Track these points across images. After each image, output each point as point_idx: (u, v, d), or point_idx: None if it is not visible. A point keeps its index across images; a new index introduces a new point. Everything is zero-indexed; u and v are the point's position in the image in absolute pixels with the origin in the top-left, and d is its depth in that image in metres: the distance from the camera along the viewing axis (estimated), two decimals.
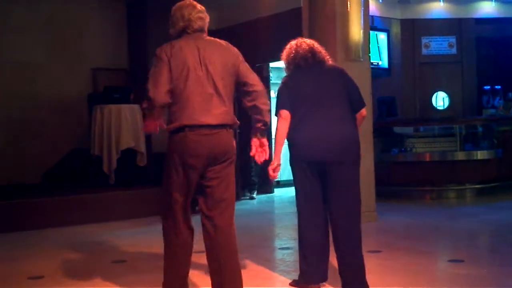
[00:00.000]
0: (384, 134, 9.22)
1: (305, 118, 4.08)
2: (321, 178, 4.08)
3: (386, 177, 8.69)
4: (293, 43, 4.38)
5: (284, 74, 12.40)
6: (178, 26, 3.84)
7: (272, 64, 10.82)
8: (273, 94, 11.39)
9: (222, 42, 3.81)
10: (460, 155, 9.05)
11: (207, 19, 3.84)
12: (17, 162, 9.28)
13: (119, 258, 5.33)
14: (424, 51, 11.47)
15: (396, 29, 11.25)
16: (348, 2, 6.65)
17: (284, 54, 4.40)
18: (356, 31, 6.69)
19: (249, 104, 3.74)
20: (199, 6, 3.85)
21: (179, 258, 3.71)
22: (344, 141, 4.04)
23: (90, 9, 10.25)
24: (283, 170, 11.16)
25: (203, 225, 3.69)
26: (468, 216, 7.52)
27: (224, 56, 3.73)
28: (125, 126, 8.32)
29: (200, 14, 3.82)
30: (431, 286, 4.33)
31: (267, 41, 9.52)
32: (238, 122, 3.78)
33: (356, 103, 4.19)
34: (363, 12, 6.79)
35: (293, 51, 4.31)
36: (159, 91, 3.58)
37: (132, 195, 7.63)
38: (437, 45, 11.54)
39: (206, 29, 3.84)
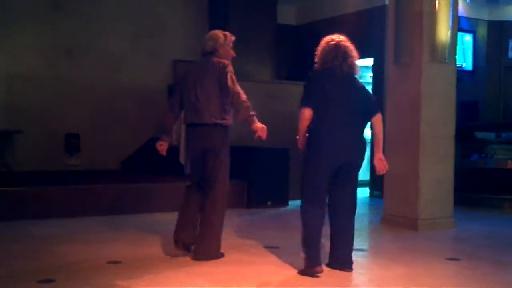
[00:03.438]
0: (464, 139, 8.93)
1: (333, 120, 4.46)
2: (331, 176, 4.54)
3: (465, 183, 8.43)
4: (339, 42, 4.56)
5: (362, 72, 12.18)
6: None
7: None
8: None
9: None
10: None
11: (210, 43, 5.10)
12: (98, 149, 9.59)
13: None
14: (511, 54, 11.03)
15: (482, 31, 10.88)
16: (437, 1, 6.47)
17: (324, 50, 4.56)
18: (443, 32, 6.50)
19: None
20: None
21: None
22: (359, 148, 4.55)
23: (173, 1, 10.43)
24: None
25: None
26: None
27: None
28: None
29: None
30: None
31: (348, 39, 9.38)
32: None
33: (370, 110, 4.61)
34: (452, 13, 6.59)
35: (336, 53, 4.51)
36: None
37: None
38: None
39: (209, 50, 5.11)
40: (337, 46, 4.54)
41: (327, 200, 4.62)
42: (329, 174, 4.50)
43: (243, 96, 4.89)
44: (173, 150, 8.51)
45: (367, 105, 4.59)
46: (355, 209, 4.69)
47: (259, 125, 4.89)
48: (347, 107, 4.49)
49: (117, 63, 9.88)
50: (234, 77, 4.95)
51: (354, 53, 4.59)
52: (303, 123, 4.50)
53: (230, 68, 4.97)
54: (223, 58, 5.05)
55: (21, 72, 9.26)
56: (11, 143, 8.99)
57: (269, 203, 8.23)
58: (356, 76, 4.67)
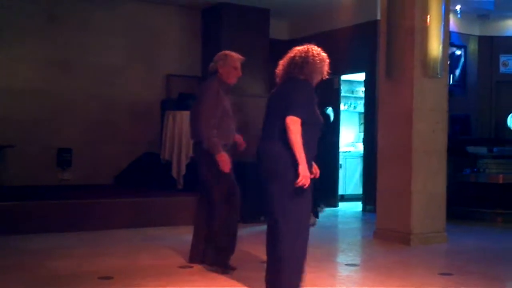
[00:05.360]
0: (456, 153, 8.97)
1: (261, 135, 4.15)
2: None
3: (457, 197, 8.46)
4: (298, 55, 4.06)
5: (354, 87, 12.18)
6: None
7: (343, 77, 10.73)
8: (343, 107, 11.31)
9: None
10: None
11: (212, 64, 5.24)
12: (91, 163, 9.56)
13: (186, 263, 5.37)
14: (502, 69, 11.10)
15: (473, 46, 10.97)
16: (428, 17, 6.52)
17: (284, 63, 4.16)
18: (435, 47, 6.54)
19: None
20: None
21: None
22: (267, 160, 3.96)
23: (166, 16, 10.47)
24: (348, 184, 11.15)
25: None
26: None
27: None
28: None
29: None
30: None
31: (340, 54, 9.42)
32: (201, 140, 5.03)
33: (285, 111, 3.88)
34: (443, 28, 6.64)
35: (285, 66, 4.10)
36: None
37: None
38: None
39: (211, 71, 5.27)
40: (296, 58, 4.08)
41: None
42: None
43: (204, 129, 4.97)
44: (165, 165, 8.56)
45: (285, 110, 3.89)
46: (283, 231, 3.92)
47: (219, 157, 4.97)
48: (270, 117, 4.07)
49: (110, 77, 9.87)
50: (208, 103, 5.01)
51: (305, 54, 4.04)
52: None
53: (209, 93, 5.06)
54: (225, 78, 5.18)
55: (13, 85, 9.23)
56: (3, 158, 8.95)
57: (262, 218, 8.20)
58: (304, 79, 4.01)
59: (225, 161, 4.99)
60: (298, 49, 4.10)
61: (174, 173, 8.41)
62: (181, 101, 8.98)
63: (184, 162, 8.33)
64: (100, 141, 9.69)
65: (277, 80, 4.18)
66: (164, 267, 5.25)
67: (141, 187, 8.91)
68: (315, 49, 4.08)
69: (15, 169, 8.99)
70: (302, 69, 4.01)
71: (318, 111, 4.04)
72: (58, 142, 9.43)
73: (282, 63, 4.14)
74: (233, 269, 5.05)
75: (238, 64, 5.24)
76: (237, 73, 5.24)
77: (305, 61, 4.01)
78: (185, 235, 6.90)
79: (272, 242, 3.98)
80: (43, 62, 9.49)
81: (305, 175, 3.79)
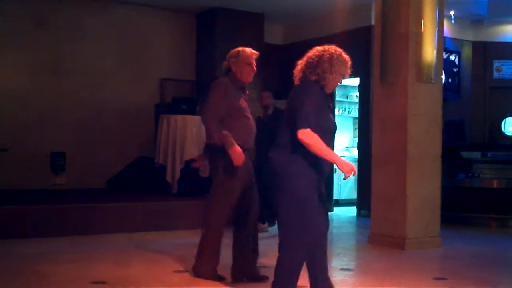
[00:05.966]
0: (450, 158, 8.97)
1: None
2: None
3: (452, 202, 8.46)
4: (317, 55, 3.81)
5: (348, 92, 12.14)
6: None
7: None
8: (337, 112, 11.32)
9: None
10: None
11: (225, 63, 5.01)
12: (84, 168, 9.53)
13: (180, 268, 5.35)
14: (496, 75, 11.15)
15: (467, 51, 11.00)
16: (423, 22, 6.54)
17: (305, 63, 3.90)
18: (429, 52, 6.56)
19: None
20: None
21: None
22: (273, 170, 3.77)
23: (160, 20, 10.45)
24: (342, 189, 11.16)
25: None
26: None
27: None
28: (190, 137, 8.39)
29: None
30: None
31: None
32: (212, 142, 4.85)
33: (294, 125, 3.66)
34: (437, 33, 6.66)
35: (302, 66, 3.85)
36: None
37: (193, 205, 7.64)
38: (510, 69, 11.21)
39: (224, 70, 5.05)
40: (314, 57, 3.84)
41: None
42: None
43: (212, 127, 4.76)
44: (159, 169, 8.54)
45: (292, 118, 3.69)
46: (284, 242, 3.75)
47: (232, 151, 4.69)
48: (282, 124, 3.85)
49: (105, 82, 9.85)
50: (213, 101, 4.79)
51: (322, 52, 3.80)
52: None
53: (215, 91, 4.85)
54: (239, 76, 4.92)
55: (6, 90, 9.20)
56: None
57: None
58: (314, 80, 3.77)
59: (238, 155, 4.68)
60: (318, 48, 3.86)
61: (168, 177, 8.38)
62: (175, 105, 8.97)
63: (178, 166, 8.30)
64: (93, 145, 9.67)
65: (295, 81, 3.91)
66: (158, 272, 5.23)
67: (134, 191, 8.89)
68: (334, 49, 3.84)
69: (8, 173, 8.95)
70: (315, 68, 3.76)
71: (329, 114, 3.83)
72: (52, 146, 9.40)
73: (300, 62, 3.89)
74: (223, 279, 4.89)
75: (252, 60, 4.95)
76: (252, 70, 4.95)
77: (320, 59, 3.76)
78: (179, 239, 6.92)
79: (278, 248, 3.82)
80: (37, 67, 9.46)
81: (347, 170, 3.59)
